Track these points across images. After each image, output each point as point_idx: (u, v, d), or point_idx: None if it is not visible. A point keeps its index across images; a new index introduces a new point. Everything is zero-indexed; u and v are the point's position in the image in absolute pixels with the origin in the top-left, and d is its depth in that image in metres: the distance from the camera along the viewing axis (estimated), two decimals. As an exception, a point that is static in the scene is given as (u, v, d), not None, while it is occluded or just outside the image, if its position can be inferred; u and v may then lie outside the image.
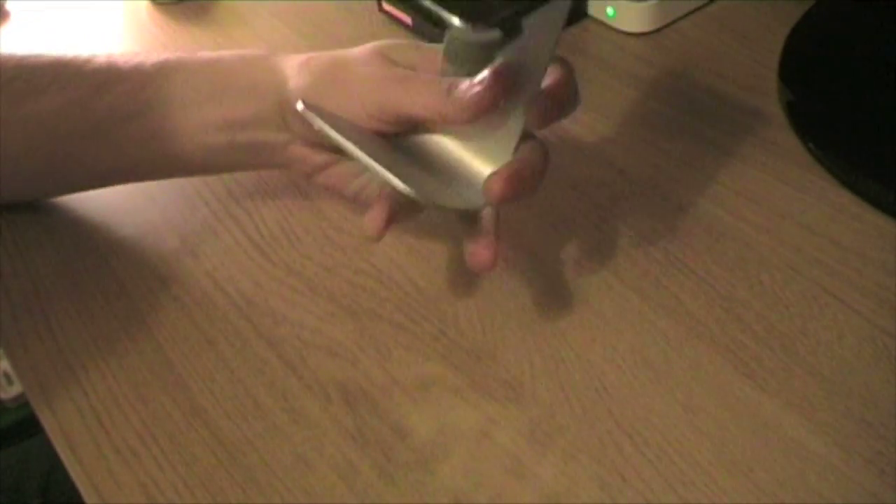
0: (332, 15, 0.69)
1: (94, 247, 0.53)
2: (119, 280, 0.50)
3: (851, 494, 0.36)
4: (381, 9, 0.67)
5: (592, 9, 0.63)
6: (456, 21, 0.54)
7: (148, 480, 0.41)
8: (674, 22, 0.62)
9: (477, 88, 0.39)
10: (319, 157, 0.46)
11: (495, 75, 0.39)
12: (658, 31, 0.62)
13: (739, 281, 0.45)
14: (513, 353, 0.43)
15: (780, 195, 0.49)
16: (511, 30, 0.39)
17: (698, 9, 0.63)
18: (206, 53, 0.48)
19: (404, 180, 0.36)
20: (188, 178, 0.55)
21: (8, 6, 0.77)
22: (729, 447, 0.38)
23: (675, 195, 0.50)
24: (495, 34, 0.41)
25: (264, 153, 0.47)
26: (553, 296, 0.46)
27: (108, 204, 0.55)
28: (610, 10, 0.62)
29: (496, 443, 0.40)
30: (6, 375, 1.04)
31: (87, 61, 0.48)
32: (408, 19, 0.64)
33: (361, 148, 0.37)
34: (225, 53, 0.48)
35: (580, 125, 0.55)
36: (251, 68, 0.47)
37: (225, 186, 0.55)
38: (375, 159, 0.37)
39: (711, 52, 0.59)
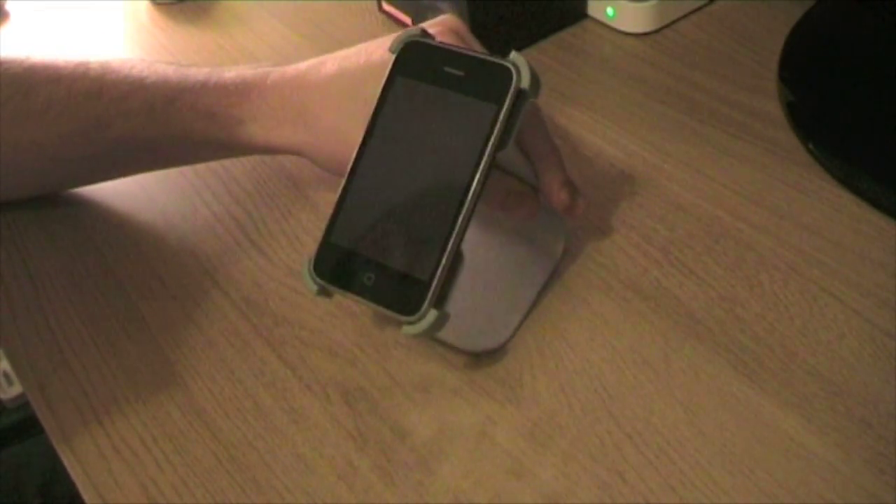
0: (332, 15, 0.69)
1: (94, 247, 0.53)
2: (119, 280, 0.50)
3: (851, 494, 0.36)
4: (381, 9, 0.67)
5: (592, 9, 0.63)
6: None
7: (148, 480, 0.41)
8: (674, 22, 0.62)
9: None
10: None
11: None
12: (658, 31, 0.62)
13: (739, 281, 0.45)
14: (513, 353, 0.43)
15: (780, 195, 0.49)
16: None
17: (698, 9, 0.63)
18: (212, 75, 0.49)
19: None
20: (188, 178, 0.56)
21: (8, 6, 0.77)
22: (729, 447, 0.38)
23: (675, 195, 0.50)
24: None
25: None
26: (553, 296, 0.46)
27: (108, 204, 0.55)
28: (610, 11, 0.62)
29: (496, 443, 0.40)
30: (6, 375, 1.04)
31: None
32: (408, 19, 0.64)
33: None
34: (226, 75, 0.49)
35: (580, 125, 0.55)
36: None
37: (225, 186, 0.55)
38: None
39: (711, 52, 0.59)
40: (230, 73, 0.49)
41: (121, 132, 0.49)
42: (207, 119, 0.48)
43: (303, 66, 0.48)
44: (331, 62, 0.47)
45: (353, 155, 0.40)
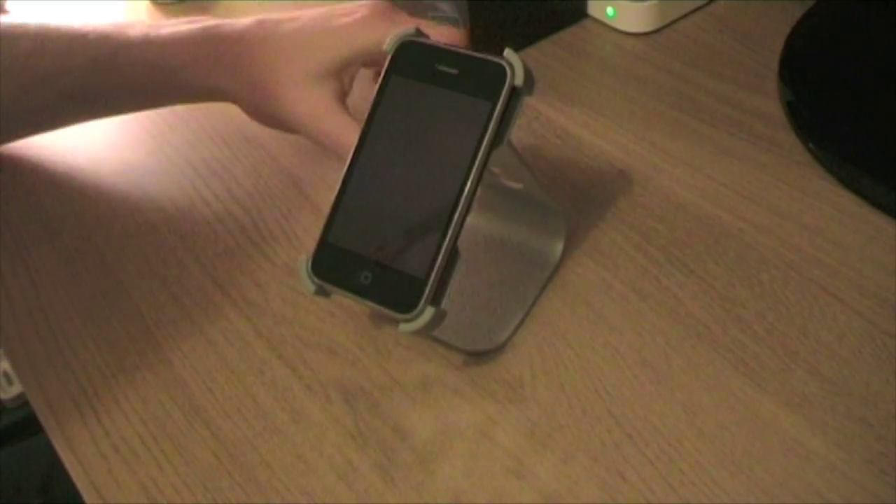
0: (332, 15, 0.69)
1: (94, 247, 0.53)
2: (119, 280, 0.50)
3: (851, 494, 0.36)
4: (381, 9, 0.67)
5: (592, 9, 0.63)
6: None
7: (148, 480, 0.41)
8: (674, 22, 0.62)
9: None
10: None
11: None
12: (658, 31, 0.62)
13: (739, 281, 0.45)
14: (513, 353, 0.43)
15: (780, 195, 0.49)
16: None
17: (698, 9, 0.63)
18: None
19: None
20: (188, 178, 0.56)
21: (8, 5, 0.76)
22: (729, 447, 0.38)
23: (675, 195, 0.50)
24: None
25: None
26: (553, 296, 0.46)
27: (108, 204, 0.55)
28: (610, 10, 0.62)
29: (496, 443, 0.40)
30: (6, 375, 1.04)
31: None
32: (408, 19, 0.64)
33: None
34: (163, 30, 0.52)
35: (580, 125, 0.55)
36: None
37: (225, 186, 0.55)
38: None
39: (711, 52, 0.59)
40: (167, 28, 0.52)
41: (65, 86, 0.51)
42: (149, 69, 0.51)
43: (246, 22, 0.51)
44: (281, 23, 0.50)
45: (351, 155, 0.40)
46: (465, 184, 0.37)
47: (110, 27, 0.52)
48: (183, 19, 0.53)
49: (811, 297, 0.44)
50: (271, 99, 0.50)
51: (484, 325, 0.44)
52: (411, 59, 0.40)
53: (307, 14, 0.51)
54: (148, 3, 0.74)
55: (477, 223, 0.47)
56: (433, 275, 0.37)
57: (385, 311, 0.38)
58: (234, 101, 0.53)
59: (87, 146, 0.60)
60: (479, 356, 0.43)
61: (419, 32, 0.41)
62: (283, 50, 0.49)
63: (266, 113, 0.52)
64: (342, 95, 0.50)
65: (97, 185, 0.56)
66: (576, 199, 0.51)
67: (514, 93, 0.38)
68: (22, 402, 0.94)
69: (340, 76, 0.49)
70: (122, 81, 0.52)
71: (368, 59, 0.49)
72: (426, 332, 0.38)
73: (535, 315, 0.45)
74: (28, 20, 0.52)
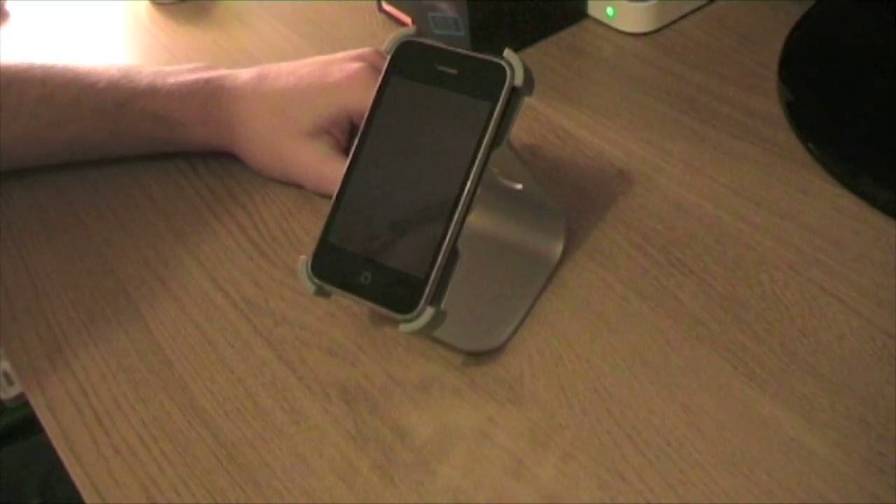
0: (332, 15, 0.69)
1: (94, 247, 0.53)
2: (119, 280, 0.50)
3: (851, 494, 0.36)
4: (381, 9, 0.67)
5: (592, 9, 0.63)
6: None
7: (148, 480, 0.41)
8: (674, 22, 0.62)
9: None
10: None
11: None
12: (658, 31, 0.62)
13: (739, 281, 0.45)
14: (513, 353, 0.43)
15: (780, 195, 0.49)
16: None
17: (698, 9, 0.63)
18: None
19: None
20: (188, 178, 0.56)
21: (7, 6, 0.77)
22: (729, 447, 0.38)
23: (675, 195, 0.50)
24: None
25: None
26: (553, 296, 0.46)
27: (107, 205, 0.55)
28: (610, 10, 0.62)
29: (496, 443, 0.40)
30: (6, 375, 1.04)
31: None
32: (408, 19, 0.64)
33: None
34: (169, 80, 0.54)
35: (580, 125, 0.55)
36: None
37: (225, 186, 0.55)
38: None
39: (711, 52, 0.59)
40: (172, 77, 0.54)
41: (73, 133, 0.53)
42: (154, 121, 0.53)
43: (247, 76, 0.54)
44: (279, 78, 0.53)
45: (350, 155, 0.40)
46: (464, 184, 0.37)
47: (118, 73, 0.54)
48: (186, 67, 0.55)
49: (811, 297, 0.44)
50: (272, 154, 0.53)
51: (484, 325, 0.44)
52: (411, 59, 0.40)
53: (306, 68, 0.53)
54: (148, 3, 0.74)
55: (477, 223, 0.47)
56: (433, 275, 0.37)
57: (385, 311, 0.38)
58: (237, 154, 0.55)
59: (87, 146, 0.60)
60: (479, 356, 0.43)
61: (419, 32, 0.41)
62: (280, 109, 0.52)
63: (268, 166, 0.54)
64: (338, 146, 0.52)
65: (97, 186, 0.56)
66: (576, 199, 0.51)
67: (514, 93, 0.38)
68: (22, 402, 0.94)
69: (333, 130, 0.52)
70: (127, 130, 0.53)
71: (357, 118, 0.51)
72: (426, 332, 0.38)
73: (535, 315, 0.45)
74: (34, 62, 0.53)
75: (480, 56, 0.39)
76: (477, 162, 0.37)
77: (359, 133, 0.40)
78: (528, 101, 0.39)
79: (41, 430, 0.44)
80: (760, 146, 0.52)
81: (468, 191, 0.37)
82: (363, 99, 0.48)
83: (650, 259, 0.47)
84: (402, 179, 0.39)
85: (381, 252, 0.39)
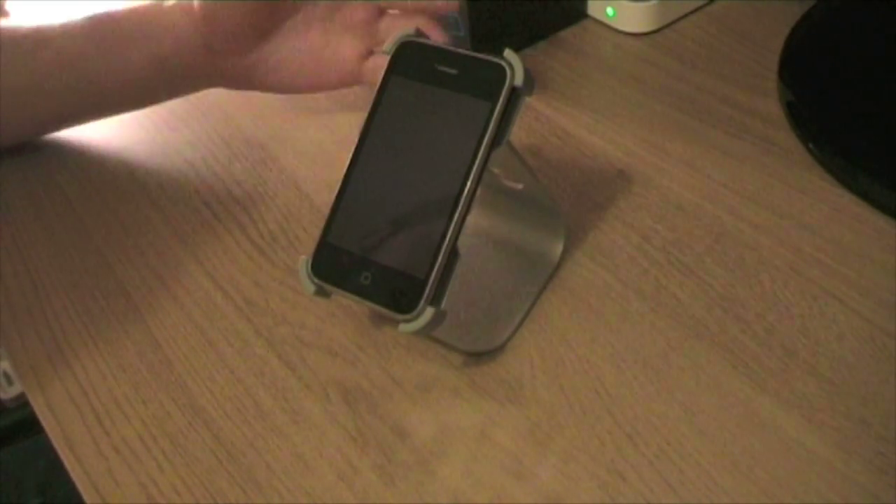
0: (332, 15, 0.69)
1: (95, 247, 0.53)
2: (119, 280, 0.50)
3: (851, 494, 0.36)
4: (381, 9, 0.67)
5: (592, 9, 0.63)
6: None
7: (148, 480, 0.41)
8: (674, 22, 0.62)
9: None
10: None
11: None
12: (658, 31, 0.62)
13: (739, 281, 0.45)
14: (513, 353, 0.43)
15: (780, 195, 0.49)
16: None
17: (698, 9, 0.63)
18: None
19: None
20: (188, 178, 0.56)
21: (7, 6, 0.76)
22: (729, 447, 0.38)
23: (675, 195, 0.50)
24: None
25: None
26: (553, 296, 0.46)
27: (107, 205, 0.55)
28: (610, 10, 0.62)
29: (496, 443, 0.40)
30: (6, 375, 1.04)
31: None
32: (408, 19, 0.64)
33: None
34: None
35: (580, 125, 0.55)
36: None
37: (225, 186, 0.55)
38: None
39: (711, 52, 0.59)
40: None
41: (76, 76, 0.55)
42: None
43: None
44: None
45: (350, 155, 0.40)
46: (464, 184, 0.37)
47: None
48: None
49: (811, 297, 0.44)
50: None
51: (484, 325, 0.44)
52: (411, 59, 0.40)
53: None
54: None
55: (477, 223, 0.47)
56: (433, 275, 0.37)
57: (385, 311, 0.38)
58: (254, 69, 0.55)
59: (87, 147, 0.60)
60: (479, 356, 0.43)
61: (419, 32, 0.41)
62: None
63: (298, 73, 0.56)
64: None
65: (97, 186, 0.56)
66: (576, 199, 0.51)
67: (514, 93, 0.38)
68: (22, 402, 0.94)
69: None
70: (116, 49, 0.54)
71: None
72: (426, 332, 0.38)
73: (535, 315, 0.45)
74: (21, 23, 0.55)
75: (480, 56, 0.39)
76: (477, 162, 0.37)
77: (359, 133, 0.40)
78: (528, 101, 0.39)
79: (41, 430, 0.44)
80: (760, 146, 0.52)
81: (468, 191, 0.37)
82: None
83: (650, 259, 0.47)
84: (402, 179, 0.39)
85: (381, 252, 0.39)
